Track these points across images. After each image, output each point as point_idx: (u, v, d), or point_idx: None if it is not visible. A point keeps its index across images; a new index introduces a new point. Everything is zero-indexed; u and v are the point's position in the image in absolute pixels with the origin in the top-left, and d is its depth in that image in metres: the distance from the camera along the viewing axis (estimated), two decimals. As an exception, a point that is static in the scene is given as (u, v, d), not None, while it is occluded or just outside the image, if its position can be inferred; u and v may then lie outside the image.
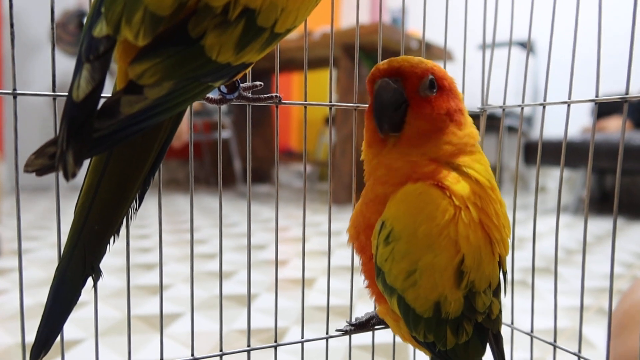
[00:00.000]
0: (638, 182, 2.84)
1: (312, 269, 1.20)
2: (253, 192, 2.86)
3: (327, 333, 0.42)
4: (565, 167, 2.33)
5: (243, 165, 2.94)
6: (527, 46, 0.42)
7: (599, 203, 2.72)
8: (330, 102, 0.40)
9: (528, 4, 0.41)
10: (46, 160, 0.25)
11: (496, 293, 0.36)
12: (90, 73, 0.25)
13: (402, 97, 0.34)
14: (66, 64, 2.63)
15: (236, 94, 0.36)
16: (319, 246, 1.48)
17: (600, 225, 1.95)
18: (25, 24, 2.66)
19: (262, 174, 3.42)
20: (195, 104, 2.38)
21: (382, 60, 0.36)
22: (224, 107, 2.72)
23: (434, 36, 2.27)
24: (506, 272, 0.37)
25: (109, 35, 0.25)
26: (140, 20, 0.25)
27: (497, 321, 0.37)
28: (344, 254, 1.37)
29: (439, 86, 0.34)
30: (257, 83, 0.37)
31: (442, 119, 0.34)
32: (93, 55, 0.25)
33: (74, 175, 0.24)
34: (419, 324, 0.34)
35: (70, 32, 2.44)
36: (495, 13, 0.44)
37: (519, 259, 1.29)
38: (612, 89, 1.61)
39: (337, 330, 0.43)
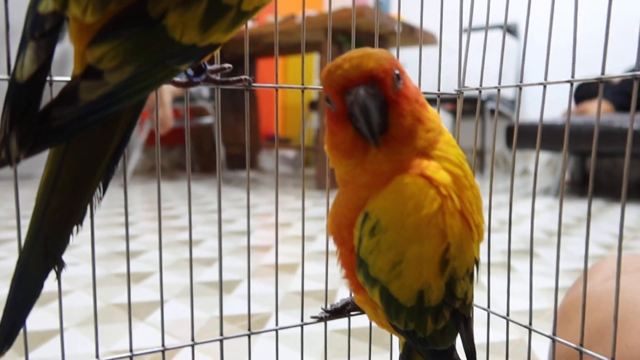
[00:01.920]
0: (619, 164, 2.88)
1: (295, 254, 1.19)
2: (237, 178, 2.85)
3: (302, 320, 0.42)
4: (547, 150, 2.36)
5: (227, 151, 2.91)
6: (503, 28, 0.42)
7: (581, 186, 2.75)
8: (302, 84, 0.39)
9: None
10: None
11: (471, 278, 0.36)
12: (36, 52, 0.24)
13: (382, 100, 0.32)
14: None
15: (203, 77, 0.35)
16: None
17: (581, 208, 1.97)
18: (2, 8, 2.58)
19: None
20: (178, 91, 2.34)
21: (359, 44, 0.35)
22: (206, 92, 2.69)
23: (417, 19, 2.25)
24: (479, 259, 0.37)
25: (56, 11, 0.24)
26: None
27: (470, 306, 0.37)
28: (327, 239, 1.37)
29: (400, 75, 0.33)
30: (226, 65, 0.36)
31: (416, 110, 0.33)
32: (38, 32, 0.24)
33: (17, 160, 0.23)
34: (401, 314, 0.34)
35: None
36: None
37: (500, 242, 1.30)
38: (592, 73, 1.62)
39: (312, 317, 0.42)
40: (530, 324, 0.39)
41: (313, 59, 3.60)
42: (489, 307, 0.43)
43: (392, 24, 2.22)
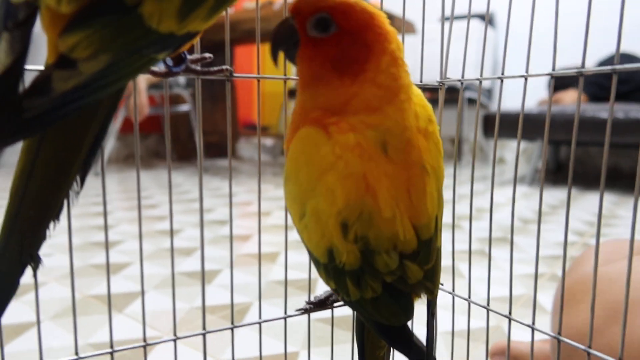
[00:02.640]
0: (591, 153, 2.94)
1: (274, 243, 1.19)
2: (215, 167, 2.82)
3: (285, 312, 0.42)
4: (522, 139, 2.40)
5: (204, 139, 2.88)
6: (485, 19, 0.42)
7: (554, 174, 2.81)
8: (285, 75, 0.39)
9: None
10: None
11: (414, 258, 0.34)
12: (10, 43, 0.23)
13: (295, 35, 0.32)
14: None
15: (183, 67, 0.34)
16: (281, 220, 1.47)
17: (554, 195, 2.01)
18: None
19: (225, 148, 3.37)
20: (153, 77, 2.31)
21: None
22: (182, 80, 2.64)
23: (395, 7, 2.24)
24: (430, 240, 0.34)
25: (29, 1, 0.23)
26: None
27: (421, 287, 0.35)
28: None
29: (339, 27, 0.31)
30: (207, 55, 0.35)
31: (323, 66, 0.32)
32: (12, 23, 0.23)
33: None
34: (319, 268, 0.35)
35: None
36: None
37: (477, 229, 1.32)
38: (569, 62, 1.64)
39: (296, 310, 0.42)
40: (510, 313, 0.39)
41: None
42: (469, 297, 0.44)
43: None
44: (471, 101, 3.10)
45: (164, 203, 1.73)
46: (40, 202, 0.28)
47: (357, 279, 0.33)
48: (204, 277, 0.38)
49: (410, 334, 0.36)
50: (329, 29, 0.31)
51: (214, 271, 0.99)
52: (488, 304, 0.41)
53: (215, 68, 0.36)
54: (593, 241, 1.27)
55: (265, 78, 0.38)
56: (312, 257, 0.35)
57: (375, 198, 0.31)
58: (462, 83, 0.42)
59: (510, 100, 3.14)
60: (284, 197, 0.35)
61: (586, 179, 2.56)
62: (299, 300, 0.43)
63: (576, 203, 1.86)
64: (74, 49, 0.23)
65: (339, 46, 0.31)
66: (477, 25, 2.85)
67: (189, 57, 0.34)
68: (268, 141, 3.57)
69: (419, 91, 0.35)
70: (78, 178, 0.29)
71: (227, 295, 0.87)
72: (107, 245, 0.32)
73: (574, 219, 1.54)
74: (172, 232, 0.37)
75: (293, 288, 0.90)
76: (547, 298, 0.84)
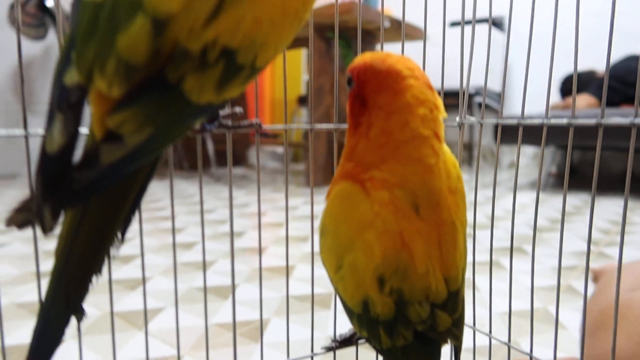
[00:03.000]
0: (604, 157, 2.93)
1: (290, 256, 1.20)
2: (227, 176, 2.84)
3: (312, 351, 0.43)
4: (532, 145, 2.39)
5: (216, 147, 2.90)
6: (504, 66, 0.42)
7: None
8: (311, 123, 0.40)
9: None
10: (28, 216, 0.25)
11: (445, 307, 0.35)
12: (64, 124, 0.24)
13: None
14: (26, 47, 2.52)
15: (216, 124, 0.35)
16: (296, 231, 1.48)
17: (567, 201, 2.00)
18: None
19: (237, 157, 3.39)
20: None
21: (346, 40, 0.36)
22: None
23: (407, 15, 2.24)
24: (458, 290, 0.36)
25: (80, 85, 0.24)
26: (113, 70, 0.24)
27: (449, 334, 0.36)
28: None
29: (355, 83, 0.35)
30: (237, 110, 0.36)
31: (347, 116, 0.36)
32: (65, 104, 0.24)
33: (52, 229, 0.24)
34: (353, 317, 0.36)
35: (29, 13, 2.33)
36: None
37: (488, 239, 1.32)
38: (579, 64, 1.63)
39: (322, 348, 0.44)
40: (531, 351, 0.40)
41: (301, 54, 3.58)
42: (490, 332, 0.45)
43: (380, 20, 2.21)
44: (480, 106, 3.09)
45: (178, 214, 1.75)
46: (84, 261, 0.30)
47: (390, 329, 0.35)
48: (234, 306, 0.39)
49: None
50: (351, 84, 0.35)
51: (230, 286, 1.00)
52: (509, 340, 0.42)
53: (246, 122, 0.37)
54: (608, 250, 1.27)
55: (293, 127, 0.40)
56: (346, 307, 0.36)
57: (410, 254, 0.33)
58: (481, 125, 0.43)
59: (520, 105, 3.14)
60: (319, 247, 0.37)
61: (600, 184, 2.55)
62: (319, 316, 0.44)
63: (588, 209, 1.85)
64: (121, 125, 0.25)
65: (350, 99, 0.35)
66: (485, 29, 2.84)
67: (220, 113, 0.36)
68: (279, 149, 3.59)
69: (447, 149, 0.37)
70: (119, 233, 0.31)
71: (244, 310, 0.88)
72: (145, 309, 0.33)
73: (587, 226, 1.54)
74: (204, 262, 0.38)
75: (308, 303, 0.90)
76: (563, 312, 0.84)
